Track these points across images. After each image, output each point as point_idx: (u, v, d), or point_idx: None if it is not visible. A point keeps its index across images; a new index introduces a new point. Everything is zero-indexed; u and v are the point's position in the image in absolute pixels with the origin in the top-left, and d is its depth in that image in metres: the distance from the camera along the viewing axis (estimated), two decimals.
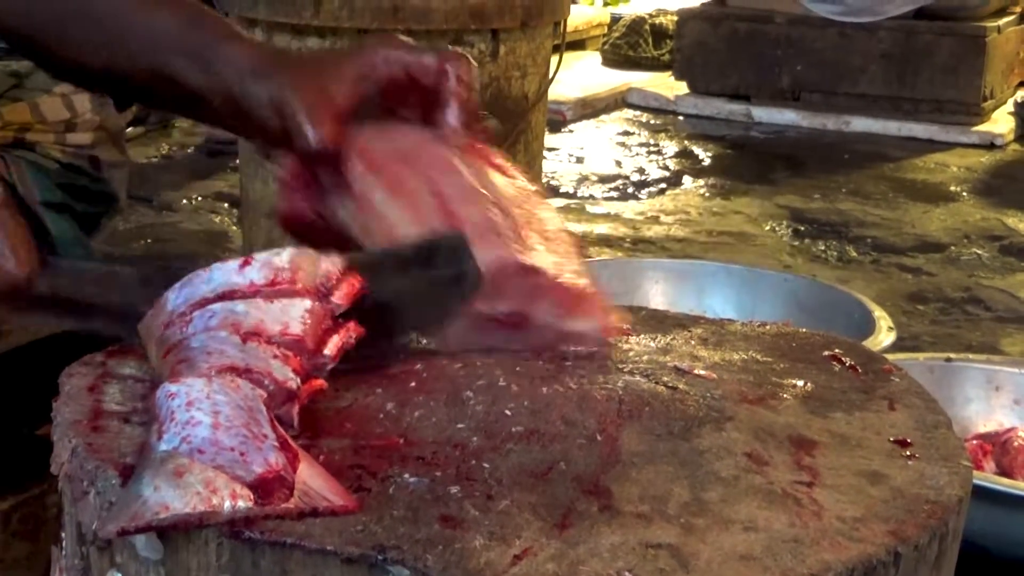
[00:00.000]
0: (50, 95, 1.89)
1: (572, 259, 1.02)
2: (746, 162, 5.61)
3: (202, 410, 0.78)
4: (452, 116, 1.11)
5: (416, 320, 1.00)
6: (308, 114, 1.06)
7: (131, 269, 1.00)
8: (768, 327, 1.13)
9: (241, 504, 0.74)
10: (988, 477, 1.55)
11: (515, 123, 2.69)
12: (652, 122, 6.33)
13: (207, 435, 0.77)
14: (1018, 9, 6.56)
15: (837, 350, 1.08)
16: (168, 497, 0.73)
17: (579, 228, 4.38)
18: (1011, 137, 6.05)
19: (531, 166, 2.75)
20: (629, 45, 7.29)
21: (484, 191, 1.04)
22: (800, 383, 1.01)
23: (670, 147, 5.84)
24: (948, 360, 1.84)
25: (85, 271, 1.03)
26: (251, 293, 0.87)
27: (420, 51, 1.13)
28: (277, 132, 1.08)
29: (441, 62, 1.10)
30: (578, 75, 6.83)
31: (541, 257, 0.99)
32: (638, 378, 0.96)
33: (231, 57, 1.13)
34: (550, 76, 2.87)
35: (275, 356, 0.85)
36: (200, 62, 1.13)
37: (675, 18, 6.92)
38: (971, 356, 1.95)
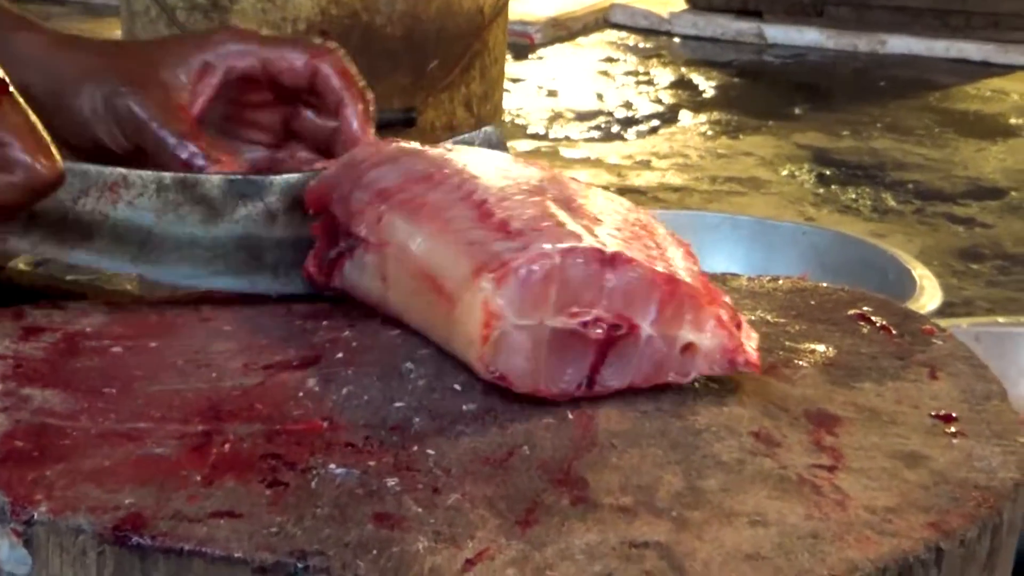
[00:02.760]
0: None
1: (671, 250, 0.95)
2: (758, 93, 5.63)
3: None
4: (354, 119, 1.12)
5: None
6: (167, 125, 1.06)
7: None
8: (781, 282, 1.15)
9: None
10: None
11: (467, 43, 2.68)
12: (641, 46, 6.34)
13: None
14: None
15: (865, 308, 1.09)
16: None
17: None
18: None
19: (488, 98, 2.75)
20: None
21: (508, 180, 0.97)
22: (820, 348, 1.02)
23: (664, 76, 5.85)
24: (997, 324, 1.84)
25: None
26: None
27: (279, 45, 1.13)
28: (125, 148, 1.09)
29: (310, 59, 1.12)
30: None
31: (630, 247, 0.91)
32: None
33: (28, 49, 1.11)
34: None
35: None
36: None
37: None
38: None
